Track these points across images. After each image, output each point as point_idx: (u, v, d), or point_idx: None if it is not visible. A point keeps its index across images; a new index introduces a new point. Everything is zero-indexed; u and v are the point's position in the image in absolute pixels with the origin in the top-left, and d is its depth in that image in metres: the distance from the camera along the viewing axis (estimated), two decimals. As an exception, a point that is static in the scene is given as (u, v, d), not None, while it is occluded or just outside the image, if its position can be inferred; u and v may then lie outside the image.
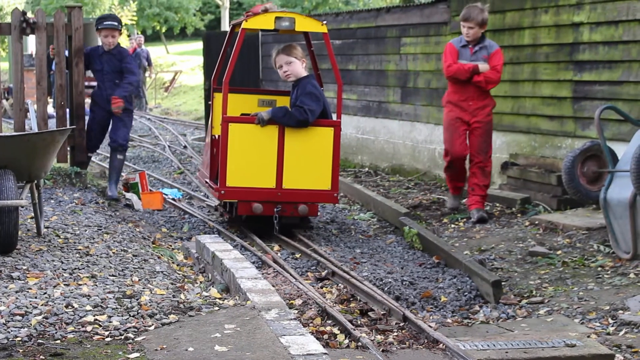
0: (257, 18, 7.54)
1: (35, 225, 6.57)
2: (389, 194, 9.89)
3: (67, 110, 9.24)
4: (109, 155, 9.29)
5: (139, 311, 4.75)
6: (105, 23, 8.82)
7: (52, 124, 10.13)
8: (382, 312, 5.40)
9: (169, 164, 12.68)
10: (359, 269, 6.54)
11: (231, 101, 7.72)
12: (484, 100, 8.18)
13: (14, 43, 9.24)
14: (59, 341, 4.23)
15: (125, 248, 6.48)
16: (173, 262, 6.62)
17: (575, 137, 8.49)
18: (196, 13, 42.23)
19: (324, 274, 6.38)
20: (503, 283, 6.19)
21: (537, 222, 7.76)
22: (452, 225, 8.17)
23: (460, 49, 8.15)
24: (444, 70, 8.23)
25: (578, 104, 8.47)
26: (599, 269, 6.38)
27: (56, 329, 4.40)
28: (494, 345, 4.70)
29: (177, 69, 31.34)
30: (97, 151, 10.51)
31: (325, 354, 3.91)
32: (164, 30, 41.71)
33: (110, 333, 4.36)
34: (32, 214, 6.80)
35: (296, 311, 5.27)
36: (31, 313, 4.62)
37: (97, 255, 6.11)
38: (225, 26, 35.77)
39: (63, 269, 5.63)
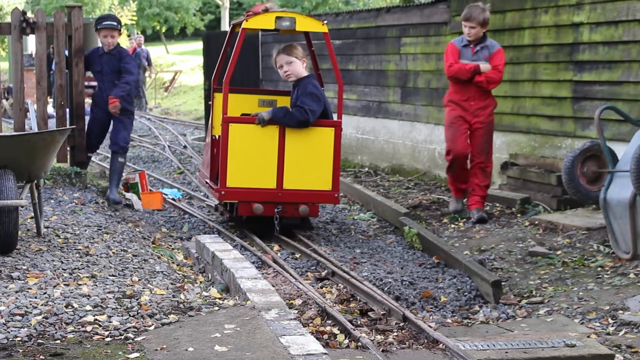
0: (258, 18, 7.53)
1: (35, 225, 6.57)
2: (389, 194, 9.89)
3: (67, 110, 9.24)
4: (109, 155, 9.29)
5: (139, 311, 4.75)
6: (104, 23, 8.80)
7: (52, 124, 10.13)
8: (382, 312, 5.40)
9: (168, 164, 12.68)
10: (358, 269, 6.54)
11: (231, 101, 7.71)
12: (485, 100, 8.17)
13: (14, 43, 9.24)
14: (59, 341, 4.23)
15: (125, 248, 6.48)
16: (173, 262, 6.62)
17: (575, 137, 8.49)
18: (196, 13, 42.23)
19: (323, 274, 6.38)
20: (503, 283, 6.19)
21: (537, 222, 7.76)
22: (452, 225, 8.17)
23: (462, 49, 8.13)
24: (445, 70, 8.22)
25: (578, 104, 8.47)
26: (599, 269, 6.38)
27: (56, 329, 4.40)
28: (494, 345, 4.70)
29: (177, 69, 31.34)
30: (97, 151, 10.49)
31: (325, 354, 3.91)
32: (164, 30, 41.71)
33: (110, 333, 4.36)
34: (32, 214, 6.80)
35: (296, 311, 5.27)
36: (31, 313, 4.62)
37: (97, 255, 6.11)
38: (225, 26, 35.77)
39: (63, 269, 5.63)
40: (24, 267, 5.59)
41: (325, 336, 4.83)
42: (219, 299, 5.19)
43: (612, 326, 5.22)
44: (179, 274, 6.11)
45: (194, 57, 33.64)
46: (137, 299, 4.98)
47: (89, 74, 9.51)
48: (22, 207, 6.42)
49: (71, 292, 5.03)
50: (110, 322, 4.53)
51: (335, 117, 7.71)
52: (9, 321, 4.49)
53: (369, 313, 5.42)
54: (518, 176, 8.90)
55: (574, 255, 6.73)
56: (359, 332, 4.86)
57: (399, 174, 11.24)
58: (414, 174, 10.91)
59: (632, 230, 6.34)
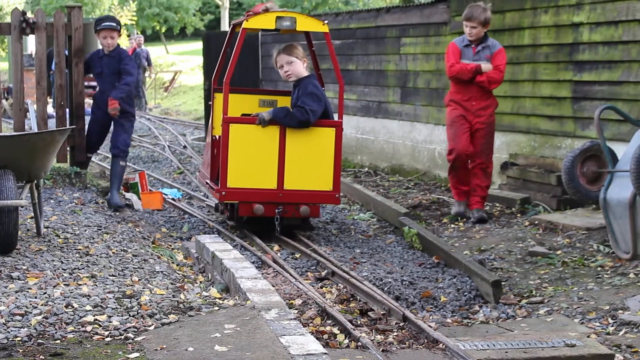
0: (258, 18, 7.51)
1: (35, 225, 6.57)
2: (389, 194, 9.89)
3: (67, 110, 9.23)
4: (108, 155, 9.28)
5: (139, 311, 4.75)
6: (103, 24, 8.77)
7: (51, 124, 10.13)
8: (382, 312, 5.40)
9: (168, 164, 12.69)
10: (358, 269, 6.54)
11: (232, 101, 7.70)
12: (486, 100, 8.16)
13: (14, 43, 9.24)
14: (58, 341, 4.23)
15: (125, 248, 6.48)
16: (173, 262, 6.62)
17: (575, 137, 8.49)
18: (196, 13, 42.22)
19: (323, 273, 6.38)
20: (503, 283, 6.19)
21: (536, 222, 7.76)
22: (452, 225, 8.17)
23: (463, 49, 8.11)
24: (447, 70, 8.20)
25: (578, 104, 8.47)
26: (599, 269, 6.38)
27: (56, 329, 4.40)
28: (494, 345, 4.70)
29: (177, 69, 31.34)
30: (97, 151, 10.47)
31: (325, 353, 3.91)
32: (163, 30, 41.71)
33: (110, 333, 4.36)
34: (32, 214, 6.80)
35: (296, 311, 5.27)
36: (31, 313, 4.62)
37: (97, 255, 6.11)
38: (225, 26, 35.77)
39: (63, 269, 5.63)
40: (24, 267, 5.59)
41: (325, 336, 4.83)
42: (219, 298, 5.19)
43: (612, 326, 5.22)
44: (179, 274, 6.11)
45: (193, 57, 33.65)
46: (137, 299, 4.98)
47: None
48: (22, 207, 6.42)
49: (71, 292, 5.03)
50: (110, 322, 4.53)
51: (336, 117, 7.69)
52: (9, 321, 4.49)
53: (369, 313, 5.43)
54: (518, 176, 8.90)
55: (574, 255, 6.73)
56: (359, 332, 4.86)
57: (399, 174, 11.24)
58: (414, 174, 10.91)
59: (632, 230, 6.34)
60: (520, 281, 6.38)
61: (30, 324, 4.45)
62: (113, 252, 6.27)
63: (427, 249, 7.29)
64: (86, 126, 9.19)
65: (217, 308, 4.85)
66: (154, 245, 7.11)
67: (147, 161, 13.06)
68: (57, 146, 6.33)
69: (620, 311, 5.40)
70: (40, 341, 4.21)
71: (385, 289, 5.95)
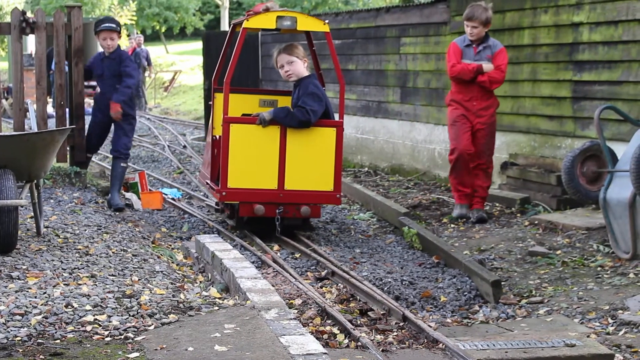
0: (259, 17, 7.49)
1: (34, 225, 6.57)
2: (389, 193, 9.89)
3: (67, 109, 9.23)
4: (108, 155, 9.27)
5: (139, 311, 4.75)
6: (103, 25, 8.73)
7: (51, 124, 10.13)
8: (381, 312, 5.40)
9: (168, 164, 12.69)
10: (358, 269, 6.54)
11: (232, 101, 7.68)
12: (487, 100, 8.15)
13: (14, 43, 9.24)
14: (58, 341, 4.23)
15: (124, 248, 6.48)
16: (173, 262, 6.62)
17: (575, 137, 8.49)
18: (196, 13, 42.22)
19: (323, 273, 6.38)
20: (503, 283, 6.19)
21: (536, 222, 7.76)
22: (452, 225, 8.17)
23: (464, 49, 8.10)
24: (448, 70, 8.19)
25: (578, 104, 8.47)
26: (599, 268, 6.38)
27: (56, 329, 4.40)
28: (494, 345, 4.70)
29: (177, 68, 31.34)
30: (97, 152, 10.46)
31: (325, 353, 3.90)
32: (163, 30, 41.70)
33: (110, 333, 4.36)
34: (32, 214, 6.80)
35: (296, 311, 5.27)
36: (31, 313, 4.62)
37: (97, 255, 6.11)
38: (225, 26, 35.77)
39: (63, 269, 5.63)
40: (24, 267, 5.59)
41: (325, 336, 4.83)
42: (219, 298, 5.19)
43: (612, 326, 5.22)
44: (179, 274, 6.11)
45: (193, 57, 33.65)
46: (136, 299, 4.98)
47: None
48: (21, 206, 6.43)
49: (71, 292, 5.03)
50: (110, 321, 4.53)
51: (336, 117, 7.67)
52: (8, 321, 4.49)
53: (369, 313, 5.43)
54: (518, 176, 8.90)
55: (574, 255, 6.74)
56: (359, 332, 4.86)
57: (399, 173, 11.24)
58: (414, 174, 10.91)
59: (632, 230, 6.34)
60: (520, 281, 6.38)
61: (30, 324, 4.45)
62: (113, 252, 6.27)
63: (427, 249, 7.29)
64: (86, 126, 9.20)
65: (217, 308, 4.85)
66: (153, 245, 7.11)
67: (147, 161, 13.06)
68: (57, 146, 6.33)
69: (620, 311, 5.40)
70: (40, 341, 4.21)
71: (385, 288, 5.95)
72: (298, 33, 8.42)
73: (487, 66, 8.02)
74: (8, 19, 9.34)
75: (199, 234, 7.52)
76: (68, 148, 9.19)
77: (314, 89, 7.40)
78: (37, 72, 9.31)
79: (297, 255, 7.04)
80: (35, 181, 6.37)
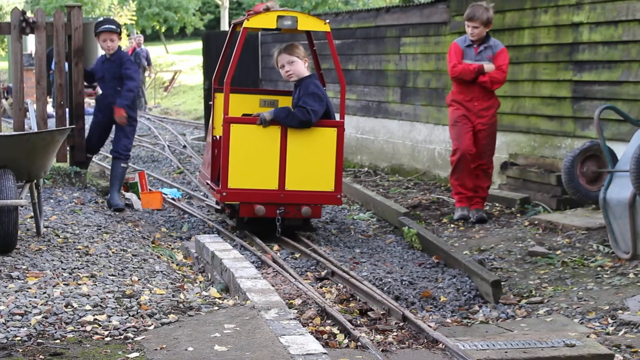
0: (259, 17, 7.47)
1: (34, 224, 6.57)
2: (389, 193, 9.89)
3: (67, 109, 9.23)
4: (108, 155, 9.26)
5: (139, 311, 4.75)
6: (102, 27, 8.71)
7: (51, 124, 10.13)
8: (381, 312, 5.40)
9: (168, 164, 12.69)
10: (358, 269, 6.54)
11: (232, 101, 7.67)
12: (488, 100, 8.14)
13: (14, 42, 9.24)
14: (58, 341, 4.23)
15: (124, 248, 6.48)
16: (172, 262, 6.62)
17: (575, 137, 8.49)
18: (196, 13, 42.22)
19: (323, 273, 6.38)
20: (502, 283, 6.19)
21: (536, 222, 7.76)
22: (452, 225, 8.17)
23: (465, 49, 8.08)
24: (449, 70, 8.17)
25: (577, 104, 8.47)
26: (599, 269, 6.38)
27: (56, 329, 4.40)
28: (494, 345, 4.70)
29: (177, 68, 31.34)
30: (97, 152, 10.44)
31: (325, 353, 3.90)
32: (163, 29, 41.71)
33: (109, 333, 4.36)
34: (32, 214, 6.80)
35: (296, 311, 5.27)
36: (31, 313, 4.62)
37: (97, 255, 6.11)
38: (225, 26, 35.77)
39: (62, 269, 5.63)
40: (24, 267, 5.59)
41: (325, 336, 4.83)
42: (219, 298, 5.19)
43: (612, 326, 5.22)
44: (179, 274, 6.11)
45: (193, 57, 33.65)
46: (136, 299, 4.98)
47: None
48: (21, 206, 6.43)
49: (71, 292, 5.03)
50: (109, 321, 4.53)
51: (337, 117, 7.66)
52: (8, 321, 4.49)
53: (369, 313, 5.43)
54: (518, 176, 8.90)
55: (574, 255, 6.74)
56: (359, 332, 4.86)
57: (399, 173, 11.24)
58: (414, 174, 10.91)
59: (632, 230, 6.34)
60: (520, 281, 6.38)
61: (30, 324, 4.45)
62: (113, 252, 6.27)
63: (426, 249, 7.29)
64: (86, 126, 9.19)
65: (216, 308, 4.85)
66: (153, 245, 7.11)
67: (146, 161, 13.07)
68: (57, 146, 6.33)
69: (620, 311, 5.40)
70: (39, 341, 4.21)
71: (385, 288, 5.95)
72: (298, 33, 8.40)
73: (489, 66, 8.00)
74: (8, 18, 9.33)
75: (199, 234, 7.52)
76: (68, 148, 9.19)
77: (314, 89, 7.38)
78: (37, 72, 9.31)
79: (297, 255, 7.04)
80: (35, 181, 6.37)
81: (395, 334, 5.02)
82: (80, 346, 4.14)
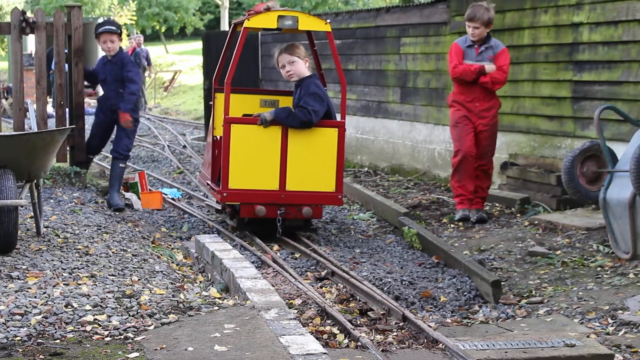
0: (260, 17, 7.46)
1: (34, 224, 6.57)
2: (389, 193, 9.89)
3: (67, 109, 9.23)
4: (108, 155, 9.26)
5: (139, 311, 4.75)
6: (102, 28, 8.70)
7: (51, 124, 10.13)
8: (381, 312, 5.40)
9: (168, 164, 12.69)
10: (358, 269, 6.54)
11: (233, 102, 7.66)
12: (490, 101, 8.13)
13: (14, 42, 9.24)
14: (58, 341, 4.23)
15: (124, 248, 6.48)
16: (172, 262, 6.62)
17: (575, 137, 8.49)
18: (195, 13, 42.22)
19: (323, 273, 6.38)
20: (502, 283, 6.19)
21: (536, 222, 7.76)
22: (452, 225, 8.17)
23: (466, 49, 8.06)
24: (450, 71, 8.15)
25: (577, 104, 8.47)
26: (599, 269, 6.38)
27: (56, 329, 4.40)
28: (494, 345, 4.70)
29: (177, 68, 31.34)
30: (99, 153, 10.43)
31: (325, 353, 3.90)
32: (163, 29, 41.70)
33: (109, 333, 4.36)
34: (32, 214, 6.80)
35: (296, 311, 5.27)
36: (31, 313, 4.62)
37: (97, 255, 6.11)
38: (225, 26, 35.77)
39: (62, 269, 5.63)
40: (24, 267, 5.59)
41: (325, 336, 4.83)
42: (219, 298, 5.19)
43: (612, 326, 5.22)
44: (179, 274, 6.11)
45: (193, 57, 33.65)
46: (136, 299, 4.98)
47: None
48: (21, 206, 6.42)
49: (71, 292, 5.03)
50: (109, 321, 4.53)
51: (338, 117, 7.64)
52: (8, 321, 4.49)
53: (369, 313, 5.43)
54: (518, 176, 8.90)
55: (574, 255, 6.74)
56: (359, 332, 4.86)
57: (399, 173, 11.24)
58: (414, 174, 10.91)
59: (632, 230, 6.34)
60: (519, 281, 6.38)
61: (30, 324, 4.45)
62: (113, 252, 6.27)
63: (426, 249, 7.29)
64: (86, 126, 9.19)
65: (216, 308, 4.85)
66: (153, 245, 7.11)
67: (146, 161, 13.06)
68: (57, 146, 6.33)
69: (620, 311, 5.40)
70: (39, 341, 4.21)
71: (385, 288, 5.95)
72: (299, 33, 8.39)
73: (490, 67, 7.99)
74: (8, 18, 9.33)
75: (199, 234, 7.52)
76: (68, 148, 9.19)
77: (315, 89, 7.37)
78: (37, 72, 9.31)
79: (297, 255, 7.04)
80: (35, 181, 6.37)
81: (395, 334, 5.02)
82: (80, 346, 4.14)
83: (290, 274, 6.17)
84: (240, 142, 7.32)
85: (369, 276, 6.23)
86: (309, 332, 4.43)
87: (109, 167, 9.45)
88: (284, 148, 7.33)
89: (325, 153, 7.39)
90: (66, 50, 9.15)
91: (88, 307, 4.74)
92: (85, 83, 9.30)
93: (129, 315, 4.67)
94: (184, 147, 14.30)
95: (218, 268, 5.86)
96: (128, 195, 9.11)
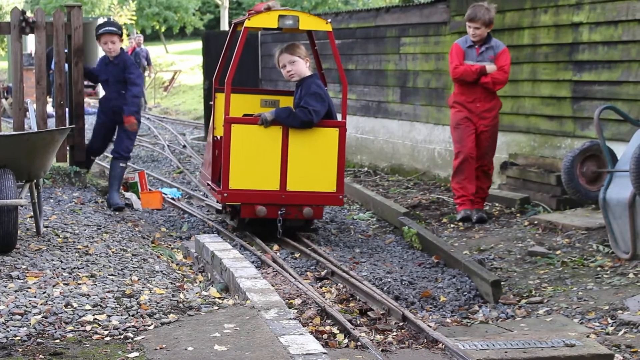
0: (260, 16, 7.44)
1: (34, 224, 6.57)
2: (388, 193, 9.89)
3: (67, 109, 9.23)
4: (108, 155, 9.26)
5: (139, 310, 4.74)
6: (102, 29, 8.70)
7: (51, 123, 10.13)
8: (381, 312, 5.40)
9: (168, 164, 12.69)
10: (358, 269, 6.54)
11: (233, 101, 7.65)
12: (490, 101, 8.12)
13: (14, 42, 9.24)
14: (58, 340, 4.23)
15: (124, 247, 6.48)
16: (172, 262, 6.62)
17: (575, 137, 8.49)
18: (195, 12, 42.22)
19: (323, 273, 6.38)
20: (502, 283, 6.19)
21: (536, 222, 7.76)
22: (452, 225, 8.17)
23: (467, 50, 8.05)
24: (451, 71, 8.14)
25: (577, 104, 8.47)
26: (598, 269, 6.38)
27: (55, 329, 4.40)
28: (493, 345, 4.70)
29: (177, 68, 31.34)
30: (100, 155, 10.42)
31: (325, 353, 3.90)
32: (163, 29, 41.70)
33: (109, 332, 4.36)
34: (32, 214, 6.80)
35: (295, 311, 5.27)
36: (30, 312, 4.62)
37: (97, 255, 6.10)
38: (225, 26, 35.77)
39: (62, 268, 5.63)
40: (24, 267, 5.59)
41: (325, 336, 4.83)
42: (219, 298, 5.19)
43: (612, 326, 5.22)
44: (179, 274, 6.11)
45: (193, 57, 33.65)
46: (136, 299, 4.98)
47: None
48: (21, 206, 6.42)
49: (70, 292, 5.03)
50: (109, 321, 4.53)
51: (339, 117, 7.63)
52: (8, 320, 4.49)
53: (369, 313, 5.43)
54: (517, 176, 8.90)
55: (574, 255, 6.74)
56: (359, 332, 4.86)
57: (399, 173, 11.24)
58: (414, 174, 10.91)
59: (632, 230, 6.34)
60: (519, 281, 6.38)
61: (30, 324, 4.45)
62: (112, 252, 6.27)
63: (426, 249, 7.29)
64: (86, 125, 9.18)
65: (216, 308, 4.85)
66: (153, 245, 7.11)
67: (146, 161, 13.06)
68: (57, 145, 6.33)
69: (620, 311, 5.40)
70: (39, 340, 4.21)
71: (385, 288, 5.95)
72: (300, 32, 8.38)
73: (491, 67, 7.99)
74: (8, 18, 9.33)
75: (199, 233, 7.52)
76: (68, 148, 9.19)
77: (316, 89, 7.35)
78: (36, 71, 9.31)
79: (297, 255, 7.04)
80: (35, 181, 6.37)
81: (395, 333, 5.02)
82: (80, 346, 4.14)
83: (290, 274, 6.17)
84: (241, 142, 7.30)
85: (368, 276, 6.23)
86: (309, 332, 4.43)
87: (109, 167, 9.45)
88: (285, 148, 7.31)
89: (326, 153, 7.37)
90: (66, 50, 9.15)
91: (88, 307, 4.74)
92: (86, 82, 9.29)
93: (129, 315, 4.67)
94: (184, 146, 14.30)
95: (218, 268, 5.86)
96: (128, 195, 9.11)
